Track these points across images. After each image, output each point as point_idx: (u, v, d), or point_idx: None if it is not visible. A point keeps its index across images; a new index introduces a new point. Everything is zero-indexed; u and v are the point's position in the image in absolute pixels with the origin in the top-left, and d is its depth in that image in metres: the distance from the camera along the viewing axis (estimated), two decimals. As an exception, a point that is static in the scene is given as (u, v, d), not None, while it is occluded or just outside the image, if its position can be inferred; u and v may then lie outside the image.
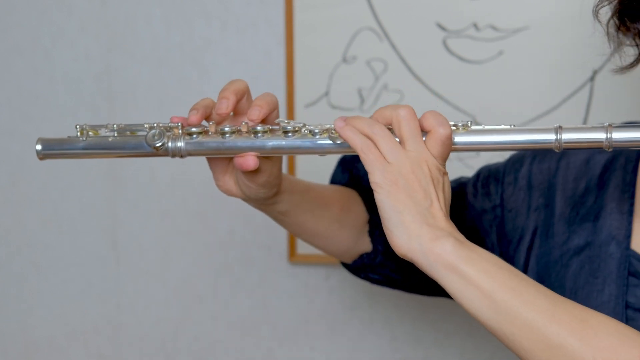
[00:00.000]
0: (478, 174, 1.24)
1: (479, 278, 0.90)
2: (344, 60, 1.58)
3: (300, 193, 1.15)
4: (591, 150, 1.15)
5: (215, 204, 1.70)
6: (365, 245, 1.21)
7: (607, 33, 1.05)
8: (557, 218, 1.14)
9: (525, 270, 1.15)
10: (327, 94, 1.59)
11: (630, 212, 1.08)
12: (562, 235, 1.13)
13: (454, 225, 0.95)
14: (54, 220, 1.76)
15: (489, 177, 1.22)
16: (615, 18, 1.03)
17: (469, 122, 1.00)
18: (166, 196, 1.71)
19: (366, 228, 1.21)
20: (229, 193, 1.08)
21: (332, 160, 1.32)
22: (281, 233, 1.68)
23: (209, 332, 1.74)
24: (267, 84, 1.63)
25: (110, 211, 1.73)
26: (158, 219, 1.72)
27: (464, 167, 1.54)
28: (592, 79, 1.50)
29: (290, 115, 1.61)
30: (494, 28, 1.52)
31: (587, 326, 0.88)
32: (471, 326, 1.64)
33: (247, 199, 1.09)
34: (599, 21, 1.05)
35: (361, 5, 1.56)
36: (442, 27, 1.54)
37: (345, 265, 1.26)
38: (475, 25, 1.53)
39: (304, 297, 1.70)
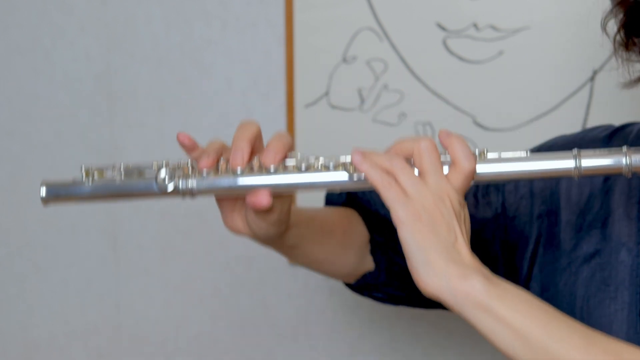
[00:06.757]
0: (477, 185, 1.21)
1: (511, 317, 0.88)
2: (344, 60, 1.58)
3: (306, 224, 1.10)
4: None
5: (215, 204, 1.69)
6: (368, 264, 1.18)
7: (614, 48, 1.03)
8: (563, 226, 1.12)
9: (528, 278, 1.13)
10: (327, 94, 1.59)
11: (639, 218, 1.06)
12: (570, 243, 1.10)
13: (478, 260, 0.92)
14: (54, 220, 1.76)
15: (488, 186, 1.19)
16: (621, 33, 1.01)
17: (485, 150, 0.96)
18: (166, 196, 1.71)
19: (368, 247, 1.17)
20: (237, 232, 1.04)
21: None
22: (281, 233, 1.68)
23: (209, 332, 1.74)
24: (267, 84, 1.63)
25: (110, 211, 1.73)
26: (158, 219, 1.72)
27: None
28: (592, 79, 1.50)
29: (291, 115, 1.61)
30: (494, 28, 1.52)
31: None
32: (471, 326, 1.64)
33: (256, 237, 1.04)
34: (607, 34, 1.03)
35: (361, 5, 1.56)
36: (442, 27, 1.54)
37: (348, 285, 1.22)
38: (475, 25, 1.52)
39: (304, 297, 1.70)
